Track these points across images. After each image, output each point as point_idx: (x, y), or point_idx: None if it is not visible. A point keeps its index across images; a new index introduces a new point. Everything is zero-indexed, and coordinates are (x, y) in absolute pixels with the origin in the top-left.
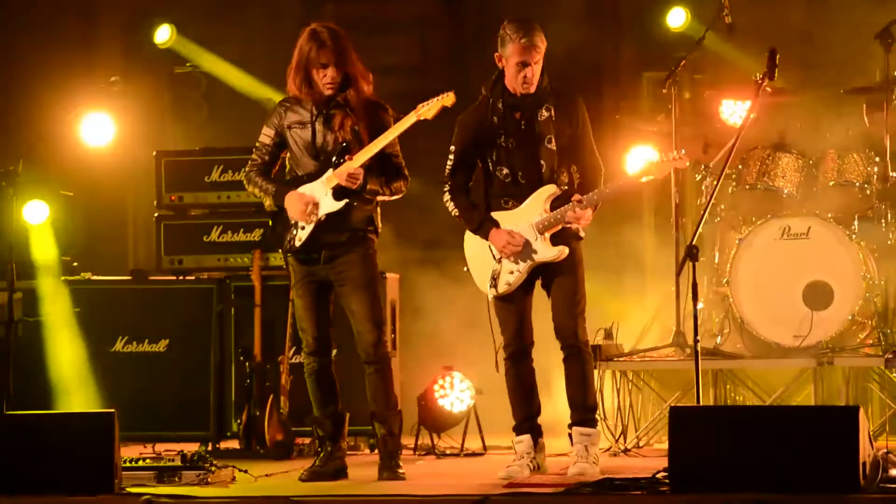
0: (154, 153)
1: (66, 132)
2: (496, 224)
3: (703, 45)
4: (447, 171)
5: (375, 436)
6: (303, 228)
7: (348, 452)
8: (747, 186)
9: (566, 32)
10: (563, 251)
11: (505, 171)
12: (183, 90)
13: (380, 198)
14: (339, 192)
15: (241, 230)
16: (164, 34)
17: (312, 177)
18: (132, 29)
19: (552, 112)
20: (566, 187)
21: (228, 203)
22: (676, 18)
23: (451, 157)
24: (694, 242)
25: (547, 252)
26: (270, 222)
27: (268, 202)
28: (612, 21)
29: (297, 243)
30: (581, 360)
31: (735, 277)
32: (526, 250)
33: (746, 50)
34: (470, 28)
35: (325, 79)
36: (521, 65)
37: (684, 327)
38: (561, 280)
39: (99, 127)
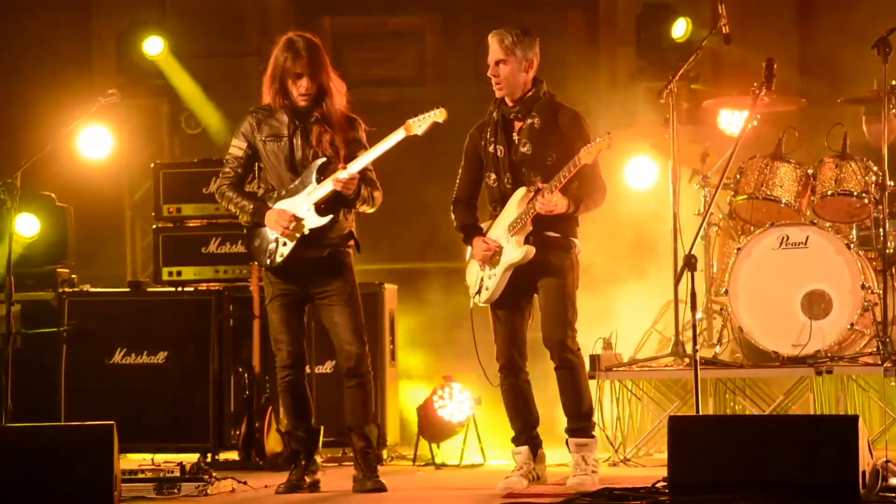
0: (152, 165)
1: (64, 145)
2: (480, 233)
3: (701, 56)
4: (456, 182)
5: (352, 448)
6: (284, 245)
7: (344, 464)
8: (745, 196)
9: (563, 44)
10: (528, 252)
11: (493, 177)
12: (180, 102)
13: (363, 207)
14: (322, 208)
15: (240, 241)
16: (155, 46)
17: (291, 192)
18: (129, 42)
19: (536, 120)
20: (536, 189)
21: (227, 214)
22: (678, 29)
23: (460, 169)
24: (692, 252)
25: (512, 253)
26: (245, 232)
27: (244, 218)
28: (609, 32)
29: (279, 259)
30: (570, 371)
31: (734, 287)
32: (499, 255)
33: (744, 60)
34: (466, 40)
35: (300, 89)
36: (489, 66)
37: (683, 337)
38: (548, 288)
39: (97, 140)
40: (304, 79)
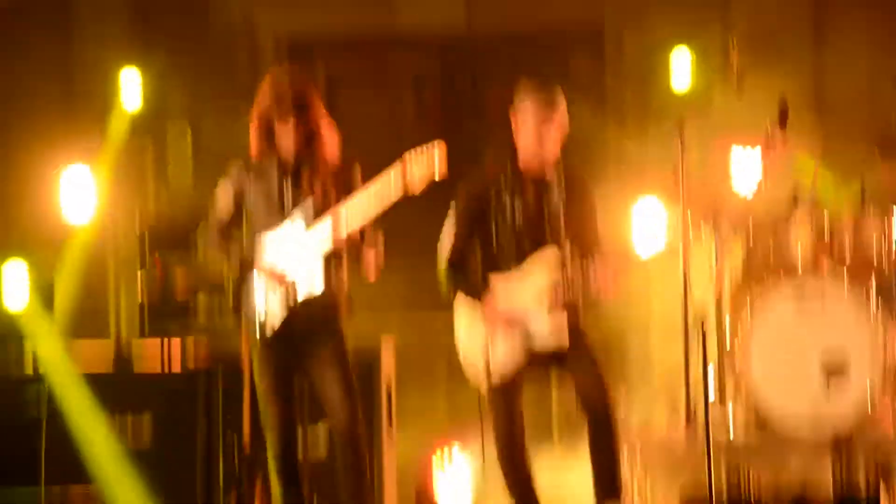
0: (137, 216)
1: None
2: (492, 292)
3: (710, 95)
4: (449, 243)
5: None
6: (274, 313)
7: None
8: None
9: (568, 85)
10: (562, 340)
11: (505, 244)
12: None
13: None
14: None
15: (230, 300)
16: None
17: (280, 239)
18: (113, 85)
19: (555, 184)
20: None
21: (216, 272)
22: (681, 81)
23: (456, 227)
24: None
25: (550, 340)
26: (232, 288)
27: (230, 273)
28: (616, 72)
29: (269, 332)
30: (611, 434)
31: (746, 357)
32: (525, 330)
33: (755, 98)
34: (463, 84)
35: (287, 134)
36: (538, 123)
37: (695, 405)
38: (577, 350)
39: (81, 191)
40: (290, 123)
